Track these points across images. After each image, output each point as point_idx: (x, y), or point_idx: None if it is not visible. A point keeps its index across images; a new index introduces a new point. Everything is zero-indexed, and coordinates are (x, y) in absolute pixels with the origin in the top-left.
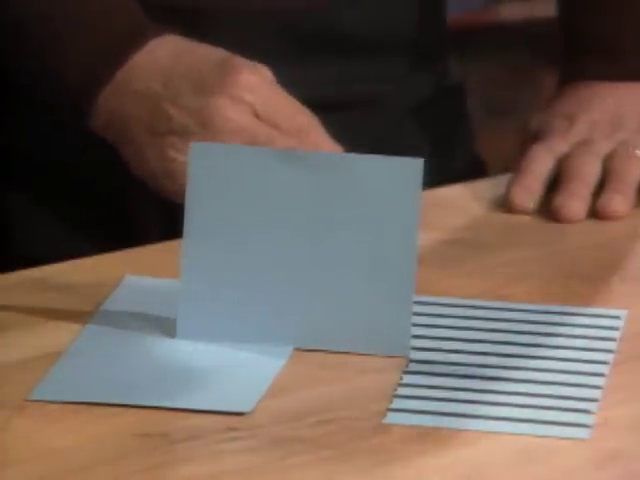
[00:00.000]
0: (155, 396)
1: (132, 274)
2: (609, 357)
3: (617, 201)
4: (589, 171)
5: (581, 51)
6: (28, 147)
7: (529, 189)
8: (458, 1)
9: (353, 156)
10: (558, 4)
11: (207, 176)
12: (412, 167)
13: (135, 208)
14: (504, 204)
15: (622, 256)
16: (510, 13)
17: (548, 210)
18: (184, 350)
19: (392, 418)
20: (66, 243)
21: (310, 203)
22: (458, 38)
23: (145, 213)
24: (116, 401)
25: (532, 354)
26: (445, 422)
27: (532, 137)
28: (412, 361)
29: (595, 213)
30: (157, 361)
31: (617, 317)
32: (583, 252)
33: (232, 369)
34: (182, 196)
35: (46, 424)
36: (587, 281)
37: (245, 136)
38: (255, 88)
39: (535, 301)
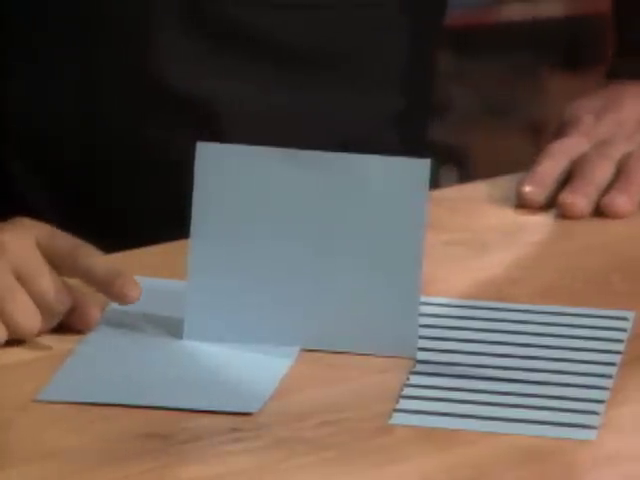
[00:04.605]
0: (162, 397)
1: (139, 275)
2: (616, 358)
3: (620, 200)
4: (599, 174)
5: (620, 51)
6: (27, 145)
7: (541, 184)
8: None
9: (360, 156)
10: (611, 6)
11: (213, 177)
12: (419, 167)
13: (141, 208)
14: (516, 197)
15: (627, 256)
16: (511, 13)
17: (551, 211)
18: (191, 351)
19: (398, 419)
20: None
21: (317, 203)
22: (458, 37)
23: (151, 213)
24: (123, 402)
25: (537, 355)
26: (451, 423)
27: (559, 127)
28: (419, 362)
29: (599, 211)
30: (164, 362)
31: (625, 318)
32: (588, 252)
33: (239, 370)
34: None
35: (50, 424)
36: (592, 282)
37: None
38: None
39: (537, 302)
